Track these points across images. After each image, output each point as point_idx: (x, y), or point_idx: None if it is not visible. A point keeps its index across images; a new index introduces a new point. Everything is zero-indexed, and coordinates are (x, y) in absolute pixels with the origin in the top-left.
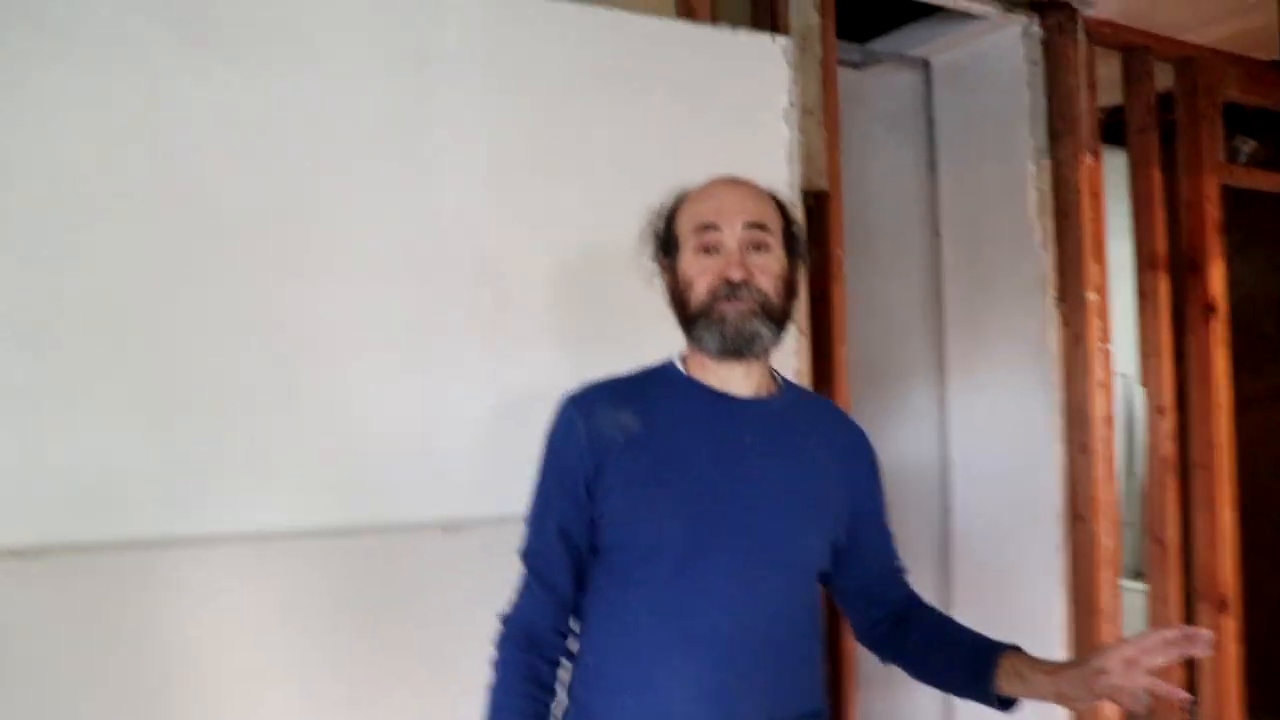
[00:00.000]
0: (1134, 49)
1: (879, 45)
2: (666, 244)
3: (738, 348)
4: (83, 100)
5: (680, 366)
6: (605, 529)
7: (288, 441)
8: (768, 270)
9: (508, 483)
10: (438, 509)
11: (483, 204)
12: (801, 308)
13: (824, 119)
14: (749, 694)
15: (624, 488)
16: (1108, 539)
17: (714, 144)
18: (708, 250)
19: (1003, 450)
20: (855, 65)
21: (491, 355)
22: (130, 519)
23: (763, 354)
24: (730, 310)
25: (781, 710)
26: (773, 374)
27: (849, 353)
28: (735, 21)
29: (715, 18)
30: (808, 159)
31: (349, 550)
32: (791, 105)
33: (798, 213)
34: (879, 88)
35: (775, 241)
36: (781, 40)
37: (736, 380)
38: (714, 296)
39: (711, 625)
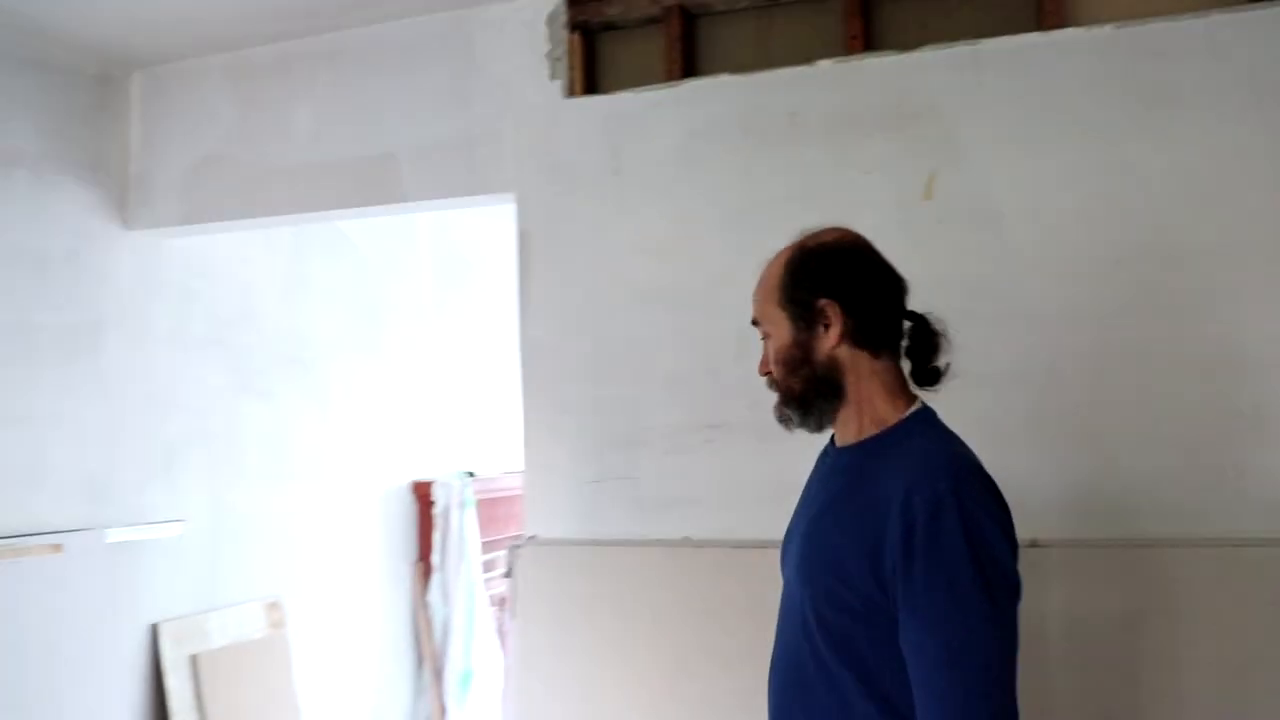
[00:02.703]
0: None
1: None
2: None
3: (784, 428)
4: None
5: None
6: None
7: None
8: (770, 359)
9: None
10: None
11: None
12: None
13: None
14: None
15: None
16: None
17: None
18: None
19: None
20: None
21: None
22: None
23: (814, 429)
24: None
25: None
26: (879, 417)
27: None
28: None
29: None
30: None
31: None
32: None
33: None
34: None
35: (773, 324)
36: None
37: (837, 435)
38: None
39: (770, 661)
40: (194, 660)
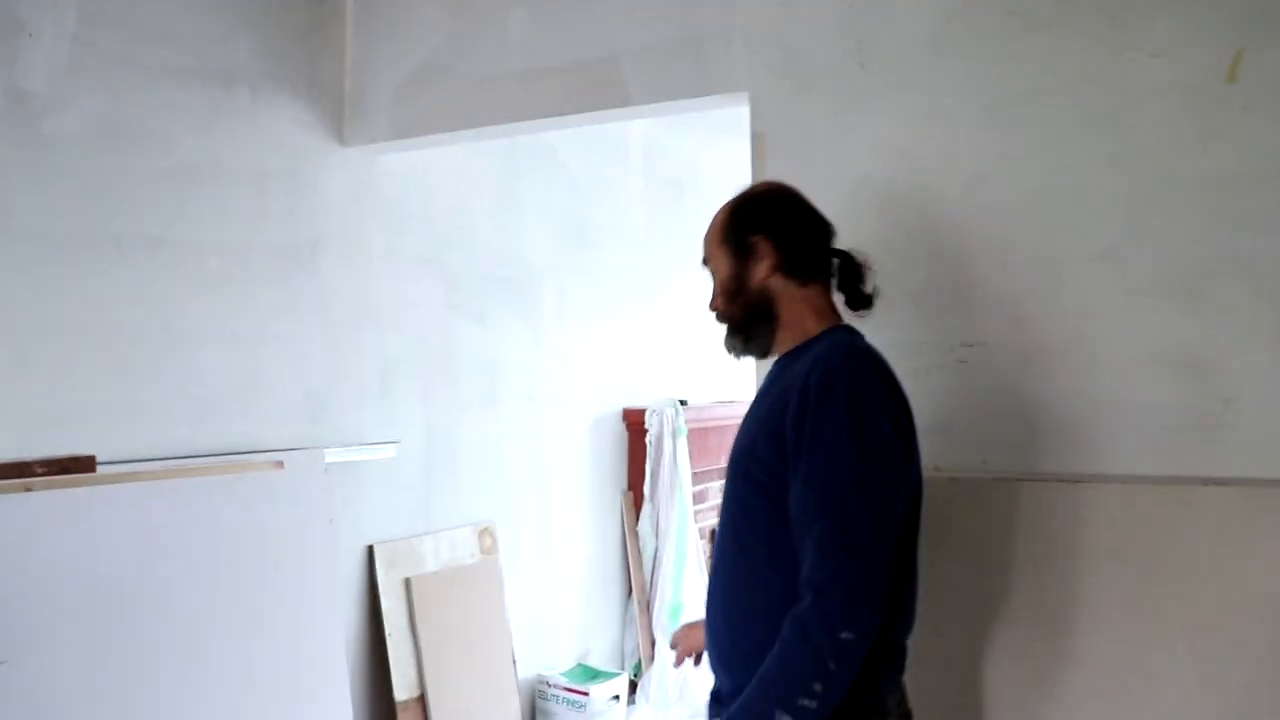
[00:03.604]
0: None
1: None
2: None
3: (733, 358)
4: None
5: None
6: None
7: None
8: (716, 295)
9: None
10: None
11: None
12: None
13: None
14: (707, 630)
15: None
16: None
17: None
18: None
19: None
20: None
21: None
22: None
23: (757, 354)
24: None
25: (716, 647)
26: (806, 333)
27: None
28: None
29: None
30: None
31: None
32: None
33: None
34: None
35: (717, 261)
36: None
37: (776, 354)
38: None
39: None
40: (407, 583)
